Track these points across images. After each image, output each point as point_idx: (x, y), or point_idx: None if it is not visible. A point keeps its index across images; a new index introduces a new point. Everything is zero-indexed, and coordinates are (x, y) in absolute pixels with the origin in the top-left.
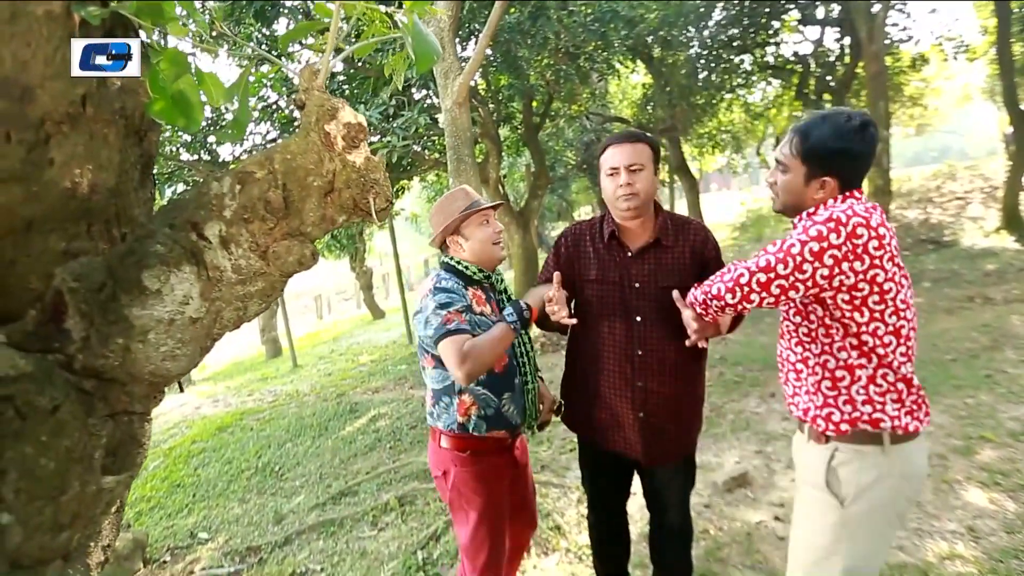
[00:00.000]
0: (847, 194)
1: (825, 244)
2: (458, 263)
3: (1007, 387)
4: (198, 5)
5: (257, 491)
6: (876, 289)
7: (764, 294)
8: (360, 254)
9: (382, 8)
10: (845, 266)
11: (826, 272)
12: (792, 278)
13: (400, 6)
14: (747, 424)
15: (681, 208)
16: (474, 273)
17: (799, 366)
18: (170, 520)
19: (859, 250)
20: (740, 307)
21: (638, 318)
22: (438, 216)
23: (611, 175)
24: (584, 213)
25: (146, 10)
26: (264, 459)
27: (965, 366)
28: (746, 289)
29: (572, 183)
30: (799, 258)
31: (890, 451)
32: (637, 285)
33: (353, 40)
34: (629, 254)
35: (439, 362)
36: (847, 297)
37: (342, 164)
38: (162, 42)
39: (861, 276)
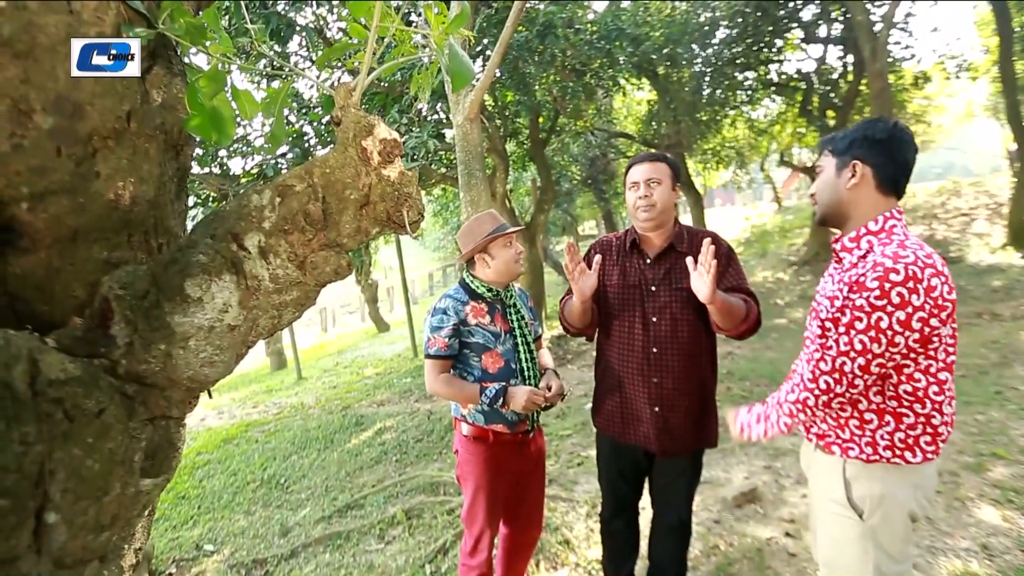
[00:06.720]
0: (890, 214)
1: (910, 309)
2: (471, 281)
3: (1018, 404)
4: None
5: (263, 503)
6: (945, 332)
7: (866, 376)
8: (365, 267)
9: (416, 36)
10: (933, 321)
11: (917, 336)
12: (888, 353)
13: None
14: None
15: (686, 223)
16: (484, 292)
17: None
18: (175, 532)
19: (940, 301)
20: (846, 394)
21: (654, 318)
22: (467, 237)
23: (632, 188)
24: (588, 228)
25: (192, 31)
26: (269, 471)
27: (975, 383)
28: (850, 376)
29: (577, 198)
30: (890, 332)
31: (902, 470)
32: (654, 288)
33: (380, 61)
34: (647, 260)
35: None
36: (918, 337)
37: (378, 178)
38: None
39: (938, 324)
